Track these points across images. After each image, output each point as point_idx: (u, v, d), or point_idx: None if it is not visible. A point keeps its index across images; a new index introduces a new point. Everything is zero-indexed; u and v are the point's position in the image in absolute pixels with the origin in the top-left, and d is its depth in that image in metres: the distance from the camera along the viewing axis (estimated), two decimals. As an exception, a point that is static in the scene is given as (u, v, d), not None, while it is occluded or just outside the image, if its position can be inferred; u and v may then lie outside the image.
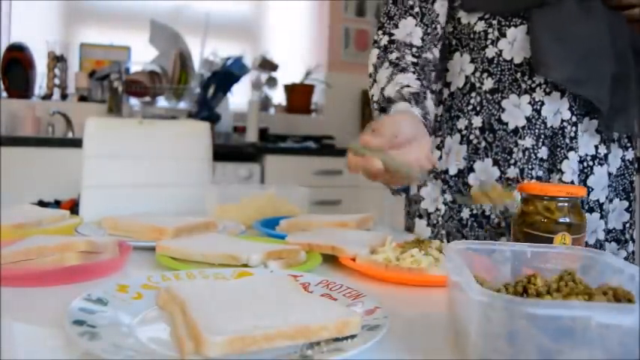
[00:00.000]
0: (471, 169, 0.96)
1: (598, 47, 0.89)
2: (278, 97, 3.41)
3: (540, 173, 0.92)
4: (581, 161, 0.92)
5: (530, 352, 0.37)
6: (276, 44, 3.36)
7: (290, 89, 3.35)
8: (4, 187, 2.19)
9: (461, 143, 0.98)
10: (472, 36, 0.95)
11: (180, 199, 1.23)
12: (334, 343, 0.45)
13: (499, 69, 0.93)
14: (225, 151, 2.56)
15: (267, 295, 0.52)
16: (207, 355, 0.40)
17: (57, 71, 2.94)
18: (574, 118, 0.91)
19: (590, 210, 0.95)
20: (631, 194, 1.00)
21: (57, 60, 2.93)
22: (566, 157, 0.91)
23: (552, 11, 0.88)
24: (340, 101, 3.45)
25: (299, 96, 3.35)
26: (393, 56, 0.95)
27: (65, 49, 2.96)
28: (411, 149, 0.72)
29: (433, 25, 0.97)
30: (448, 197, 0.99)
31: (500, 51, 0.92)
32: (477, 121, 0.95)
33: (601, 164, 0.94)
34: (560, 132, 0.91)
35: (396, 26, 0.97)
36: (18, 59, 2.82)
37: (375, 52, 0.98)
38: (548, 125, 0.91)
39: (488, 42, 0.93)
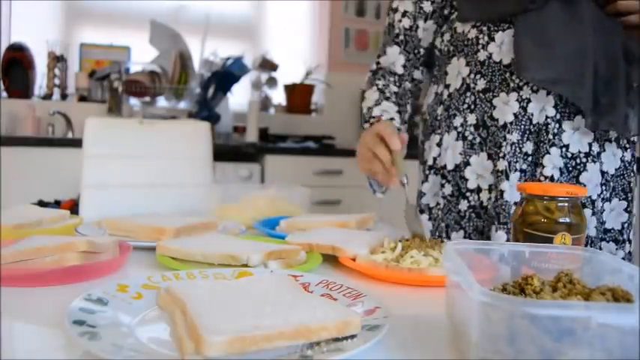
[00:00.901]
0: (467, 164, 1.04)
1: (579, 50, 0.94)
2: (278, 97, 3.41)
3: (525, 166, 0.99)
4: (571, 157, 0.97)
5: (531, 353, 0.37)
6: (276, 44, 3.36)
7: (290, 89, 3.35)
8: (4, 187, 2.19)
9: (457, 139, 1.05)
10: (466, 42, 1.03)
11: (180, 199, 1.23)
12: (334, 343, 0.45)
13: (490, 70, 1.01)
14: (225, 151, 2.56)
15: (267, 295, 0.52)
16: (207, 355, 0.40)
17: (57, 71, 2.94)
18: (558, 116, 0.97)
19: (582, 206, 0.96)
20: (629, 194, 1.02)
21: (57, 60, 2.93)
22: (548, 152, 0.97)
23: (535, 17, 0.95)
24: (340, 101, 3.45)
25: (299, 96, 3.35)
26: (380, 83, 1.14)
27: (65, 49, 2.96)
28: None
29: (415, 51, 1.14)
30: (447, 191, 1.07)
31: (491, 54, 1.00)
32: (472, 119, 1.03)
33: (594, 161, 0.98)
34: (544, 128, 0.97)
35: (385, 53, 1.16)
36: (18, 59, 2.82)
37: (369, 74, 1.18)
38: (534, 121, 0.98)
39: (480, 46, 1.01)
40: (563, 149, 0.97)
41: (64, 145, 2.42)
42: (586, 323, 0.37)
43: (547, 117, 0.97)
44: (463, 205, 1.04)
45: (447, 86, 1.08)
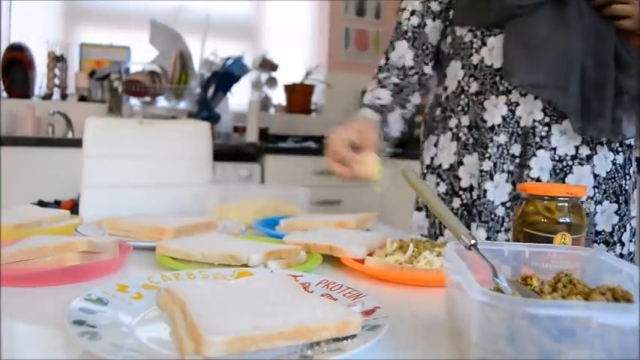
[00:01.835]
0: (460, 163, 1.07)
1: (567, 55, 0.96)
2: (278, 97, 3.41)
3: (512, 168, 1.02)
4: (559, 160, 1.00)
5: (531, 352, 0.37)
6: (276, 44, 3.36)
7: (290, 89, 3.35)
8: (4, 187, 2.19)
9: (452, 140, 1.08)
10: (462, 46, 1.06)
11: (180, 199, 1.23)
12: (334, 343, 0.45)
13: (482, 73, 1.03)
14: (225, 151, 2.56)
15: (267, 295, 0.52)
16: (207, 355, 0.40)
17: (57, 71, 2.94)
18: (546, 119, 0.99)
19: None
20: (620, 197, 1.02)
21: (57, 60, 2.93)
22: (535, 155, 1.00)
23: (524, 22, 0.97)
24: (340, 101, 3.45)
25: (299, 96, 3.35)
26: (382, 76, 1.14)
27: (65, 49, 2.96)
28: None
29: (424, 47, 1.13)
30: (441, 189, 1.10)
31: (483, 58, 1.03)
32: (465, 120, 1.06)
33: (581, 164, 0.99)
34: (532, 131, 1.00)
35: (393, 48, 1.15)
36: (18, 59, 2.82)
37: (375, 70, 1.18)
38: (522, 124, 1.00)
39: (474, 50, 1.04)
40: (552, 152, 0.99)
41: (64, 145, 2.42)
42: (586, 323, 0.37)
43: (534, 120, 0.99)
44: (456, 202, 1.07)
45: (445, 88, 1.11)
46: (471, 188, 1.05)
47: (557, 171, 1.00)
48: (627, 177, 1.04)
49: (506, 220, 1.02)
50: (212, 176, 1.30)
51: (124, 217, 0.95)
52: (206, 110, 2.77)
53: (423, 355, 0.47)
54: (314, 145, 2.95)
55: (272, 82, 3.30)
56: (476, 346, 0.40)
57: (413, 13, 1.14)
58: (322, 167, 2.79)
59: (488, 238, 1.02)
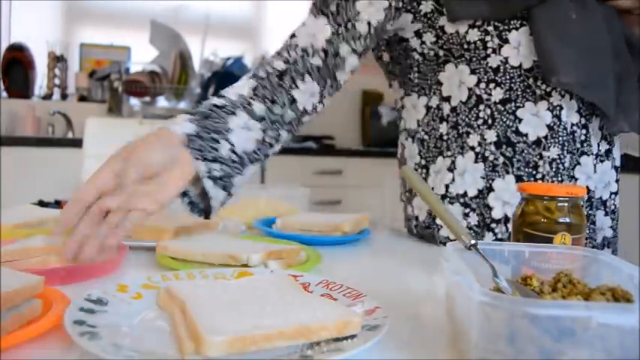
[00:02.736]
0: (490, 189, 0.89)
1: (599, 46, 0.86)
2: (278, 97, 3.41)
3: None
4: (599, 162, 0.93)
5: (531, 353, 0.37)
6: (276, 44, 3.36)
7: (290, 89, 3.35)
8: (4, 187, 2.19)
9: (476, 162, 0.90)
10: (466, 46, 0.88)
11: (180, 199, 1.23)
12: (334, 343, 0.45)
13: (507, 77, 0.87)
14: (225, 151, 2.56)
15: (267, 295, 0.52)
16: (207, 355, 0.40)
17: (57, 71, 2.94)
18: (583, 120, 0.89)
19: (595, 208, 0.94)
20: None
21: (57, 60, 2.93)
22: (579, 163, 0.89)
23: (553, 9, 0.84)
24: (340, 101, 3.44)
25: (299, 96, 3.35)
26: (262, 64, 0.89)
27: (65, 49, 2.97)
28: (161, 182, 0.66)
29: (349, 24, 0.86)
30: (473, 221, 0.91)
31: (506, 58, 0.87)
32: (491, 136, 0.89)
33: (602, 161, 0.93)
34: (571, 136, 0.88)
35: (303, 24, 0.95)
36: (18, 59, 2.82)
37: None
38: (569, 130, 0.88)
39: (489, 51, 0.87)
40: (593, 156, 0.91)
41: (64, 145, 2.43)
42: (586, 323, 0.37)
43: (572, 124, 0.88)
44: (488, 238, 0.90)
45: (446, 99, 0.93)
46: (505, 219, 0.89)
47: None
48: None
49: None
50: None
51: (124, 217, 0.94)
52: (206, 110, 2.77)
53: (423, 355, 0.47)
54: (314, 145, 2.95)
55: (272, 82, 3.30)
56: (476, 346, 0.40)
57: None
58: (322, 167, 2.80)
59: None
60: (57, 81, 2.95)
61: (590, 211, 0.94)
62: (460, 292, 0.46)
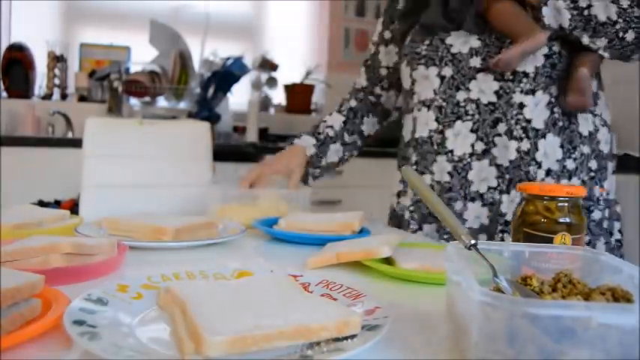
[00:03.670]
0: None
1: None
2: (278, 97, 3.41)
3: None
4: (457, 160, 1.06)
5: (531, 353, 0.37)
6: (276, 44, 3.36)
7: (290, 89, 3.35)
8: (4, 187, 2.19)
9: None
10: None
11: (180, 199, 1.23)
12: (334, 343, 0.45)
13: (404, 94, 1.24)
14: (225, 151, 2.56)
15: (267, 295, 0.52)
16: (207, 355, 0.40)
17: (57, 71, 2.94)
18: (440, 127, 1.08)
19: (472, 200, 1.06)
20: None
21: (57, 60, 2.93)
22: (435, 161, 1.09)
23: None
24: (340, 101, 3.44)
25: (299, 96, 3.35)
26: (345, 98, 1.37)
27: (65, 49, 2.97)
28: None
29: (375, 70, 1.34)
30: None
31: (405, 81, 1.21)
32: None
33: (479, 159, 1.05)
34: (429, 140, 1.10)
35: (359, 75, 1.39)
36: (18, 59, 2.82)
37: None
38: (417, 135, 1.13)
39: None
40: (449, 154, 1.07)
41: (64, 145, 2.42)
42: (586, 323, 0.37)
43: (430, 130, 1.10)
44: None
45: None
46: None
47: (459, 170, 1.06)
48: (533, 162, 1.03)
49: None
50: (212, 176, 1.30)
51: (124, 217, 0.95)
52: (206, 110, 2.77)
53: (423, 355, 0.47)
54: (314, 145, 2.95)
55: (272, 82, 3.30)
56: (476, 346, 0.40)
57: (373, 43, 1.39)
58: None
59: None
60: (57, 81, 2.95)
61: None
62: (460, 292, 0.46)
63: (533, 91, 1.03)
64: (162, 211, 1.10)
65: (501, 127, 1.04)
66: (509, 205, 1.03)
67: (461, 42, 1.08)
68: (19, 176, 2.28)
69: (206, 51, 2.92)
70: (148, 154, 1.24)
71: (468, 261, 0.52)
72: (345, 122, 1.31)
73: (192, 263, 0.78)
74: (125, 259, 0.73)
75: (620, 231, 1.09)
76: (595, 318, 0.37)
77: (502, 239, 1.03)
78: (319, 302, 0.51)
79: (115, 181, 1.19)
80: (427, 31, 1.12)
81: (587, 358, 0.37)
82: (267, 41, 3.38)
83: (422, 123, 1.12)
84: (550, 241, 0.66)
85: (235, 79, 2.86)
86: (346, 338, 0.45)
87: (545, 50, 1.03)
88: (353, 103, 1.34)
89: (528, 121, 1.03)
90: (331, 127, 1.29)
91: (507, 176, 1.04)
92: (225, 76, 2.83)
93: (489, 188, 1.05)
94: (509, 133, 1.03)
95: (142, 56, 2.97)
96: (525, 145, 1.03)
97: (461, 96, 1.07)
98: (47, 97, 2.92)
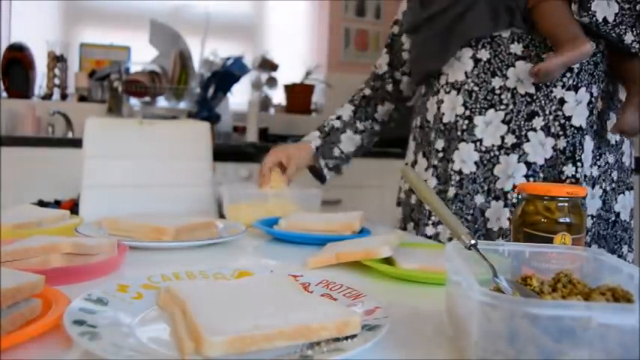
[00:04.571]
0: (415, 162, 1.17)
1: None
2: (278, 97, 3.41)
3: (436, 162, 1.08)
4: (485, 151, 1.01)
5: (531, 353, 0.37)
6: (276, 44, 3.36)
7: (290, 89, 3.35)
8: (4, 187, 2.19)
9: (412, 140, 1.21)
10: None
11: (180, 199, 1.23)
12: (334, 343, 0.45)
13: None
14: (225, 151, 2.56)
15: (267, 295, 0.52)
16: (207, 355, 0.40)
17: (57, 71, 2.94)
18: (467, 112, 1.03)
19: (496, 198, 1.01)
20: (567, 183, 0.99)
21: (57, 60, 2.93)
22: (457, 149, 1.04)
23: None
24: (340, 101, 3.41)
25: (299, 96, 3.35)
26: (360, 88, 1.32)
27: (65, 49, 2.96)
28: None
29: (398, 53, 1.25)
30: (404, 187, 1.25)
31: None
32: (418, 120, 1.18)
33: (507, 153, 0.99)
34: (455, 126, 1.04)
35: (380, 57, 1.31)
36: (18, 59, 2.81)
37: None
38: (445, 120, 1.06)
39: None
40: (477, 143, 1.02)
41: (64, 145, 2.42)
42: (586, 323, 0.37)
43: (456, 115, 1.04)
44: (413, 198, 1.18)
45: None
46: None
47: (485, 162, 1.01)
48: (565, 164, 0.99)
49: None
50: (212, 176, 1.30)
51: (124, 217, 0.95)
52: (206, 110, 2.77)
53: (423, 355, 0.47)
54: (314, 145, 2.95)
55: (272, 82, 3.30)
56: (476, 346, 0.40)
57: (396, 22, 1.25)
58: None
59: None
60: (57, 81, 2.94)
61: None
62: (460, 292, 0.46)
63: (575, 88, 0.98)
64: (162, 211, 1.10)
65: (537, 122, 0.98)
66: None
67: None
68: (19, 176, 2.28)
69: (206, 51, 2.92)
70: (148, 154, 1.24)
71: (468, 261, 0.52)
72: (355, 111, 1.29)
73: (192, 263, 0.78)
74: (125, 259, 0.73)
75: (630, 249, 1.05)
76: (595, 318, 0.37)
77: None
78: (319, 302, 0.51)
79: (115, 181, 1.19)
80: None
81: (587, 358, 0.37)
82: (267, 41, 3.38)
83: (448, 107, 1.05)
84: (550, 241, 0.66)
85: (235, 79, 2.86)
86: (346, 338, 0.45)
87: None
88: (367, 91, 1.31)
89: (567, 119, 0.97)
90: (339, 117, 1.28)
91: (541, 175, 0.98)
92: (225, 76, 2.83)
93: (515, 187, 0.98)
94: (547, 129, 0.98)
95: (142, 56, 2.96)
96: (562, 143, 0.98)
97: (497, 82, 1.00)
98: (47, 97, 2.92)
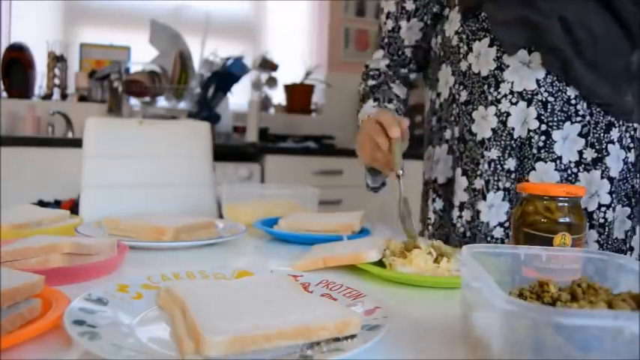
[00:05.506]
0: (453, 179, 0.99)
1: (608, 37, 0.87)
2: (278, 97, 3.41)
3: (508, 185, 0.91)
4: (564, 169, 0.89)
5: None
6: (276, 44, 3.36)
7: (290, 89, 3.35)
8: (4, 187, 2.19)
9: (448, 153, 1.01)
10: (451, 49, 0.97)
11: (180, 199, 1.23)
12: (334, 343, 0.45)
13: (470, 81, 0.94)
14: (225, 151, 2.56)
15: (267, 295, 0.52)
16: (207, 355, 0.40)
17: (57, 71, 2.94)
18: (543, 127, 0.89)
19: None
20: (633, 199, 0.93)
21: (57, 60, 2.93)
22: (534, 169, 0.90)
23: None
24: (340, 101, 3.44)
25: (299, 96, 3.35)
26: (370, 82, 1.10)
27: (65, 49, 2.96)
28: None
29: (399, 52, 1.10)
30: (438, 206, 1.03)
31: (470, 64, 0.94)
32: (456, 132, 0.98)
33: (587, 170, 0.90)
34: (528, 142, 0.90)
35: (372, 56, 1.14)
36: (18, 59, 2.81)
37: (362, 76, 1.14)
38: (515, 136, 0.91)
39: (461, 56, 0.95)
40: (557, 162, 0.90)
41: (64, 145, 2.42)
42: (614, 333, 0.36)
43: (529, 130, 0.90)
44: (454, 215, 0.98)
45: (439, 94, 1.03)
46: (460, 207, 0.96)
47: (563, 181, 0.90)
48: (638, 175, 0.94)
49: (506, 241, 0.91)
50: (212, 176, 1.30)
51: (124, 217, 0.95)
52: (206, 110, 2.77)
53: (423, 355, 0.46)
54: (314, 145, 2.95)
55: (272, 82, 3.30)
56: (498, 355, 0.39)
57: (388, 15, 1.08)
58: (322, 167, 2.79)
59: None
60: (57, 81, 2.94)
61: None
62: (479, 298, 0.44)
63: None
64: (163, 211, 1.10)
65: (614, 133, 0.90)
66: (620, 226, 0.91)
67: None
68: (19, 176, 2.28)
69: (206, 51, 2.92)
70: (148, 154, 1.24)
71: (485, 267, 0.50)
72: (390, 99, 1.06)
73: (192, 263, 0.78)
74: (125, 259, 0.74)
75: None
76: (623, 327, 0.36)
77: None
78: (319, 302, 0.51)
79: (115, 181, 1.19)
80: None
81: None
82: (267, 41, 3.38)
83: (518, 120, 0.90)
84: (550, 241, 0.66)
85: (235, 79, 2.86)
86: (346, 338, 0.45)
87: None
88: (371, 81, 1.10)
89: (635, 130, 0.92)
90: (384, 98, 1.06)
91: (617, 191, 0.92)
92: (225, 76, 2.83)
93: (600, 206, 0.90)
94: (620, 141, 0.91)
95: (142, 56, 2.96)
96: (632, 156, 0.92)
97: (572, 92, 0.89)
98: (47, 97, 2.92)
